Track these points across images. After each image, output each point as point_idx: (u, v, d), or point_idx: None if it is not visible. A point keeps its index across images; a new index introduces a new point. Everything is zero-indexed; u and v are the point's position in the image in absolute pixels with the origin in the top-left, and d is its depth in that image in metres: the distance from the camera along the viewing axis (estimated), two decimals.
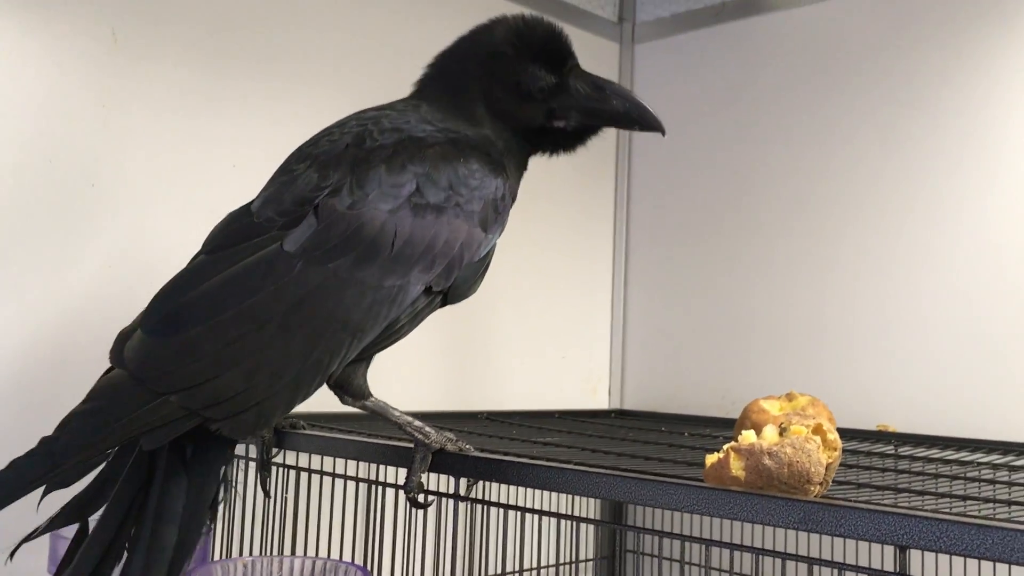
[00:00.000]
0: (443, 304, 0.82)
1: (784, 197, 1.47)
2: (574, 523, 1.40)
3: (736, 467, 0.69)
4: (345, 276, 0.73)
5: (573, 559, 1.46)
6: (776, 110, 1.49)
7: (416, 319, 0.80)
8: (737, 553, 0.70)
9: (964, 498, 0.81)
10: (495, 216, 0.82)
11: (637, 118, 0.86)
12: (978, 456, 1.10)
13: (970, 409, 1.25)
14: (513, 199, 0.85)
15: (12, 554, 0.74)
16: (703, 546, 0.70)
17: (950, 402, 1.27)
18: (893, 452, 1.15)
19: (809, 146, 1.45)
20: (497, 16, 0.87)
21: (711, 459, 0.71)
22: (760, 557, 0.65)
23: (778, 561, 0.64)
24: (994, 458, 1.08)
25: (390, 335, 0.79)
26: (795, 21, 1.48)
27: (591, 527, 1.49)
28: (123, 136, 1.09)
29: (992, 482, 0.93)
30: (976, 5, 1.31)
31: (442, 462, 0.81)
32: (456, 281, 0.80)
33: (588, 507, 1.47)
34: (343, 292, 0.73)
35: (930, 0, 1.34)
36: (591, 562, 1.49)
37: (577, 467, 0.73)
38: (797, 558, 0.64)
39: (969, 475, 0.96)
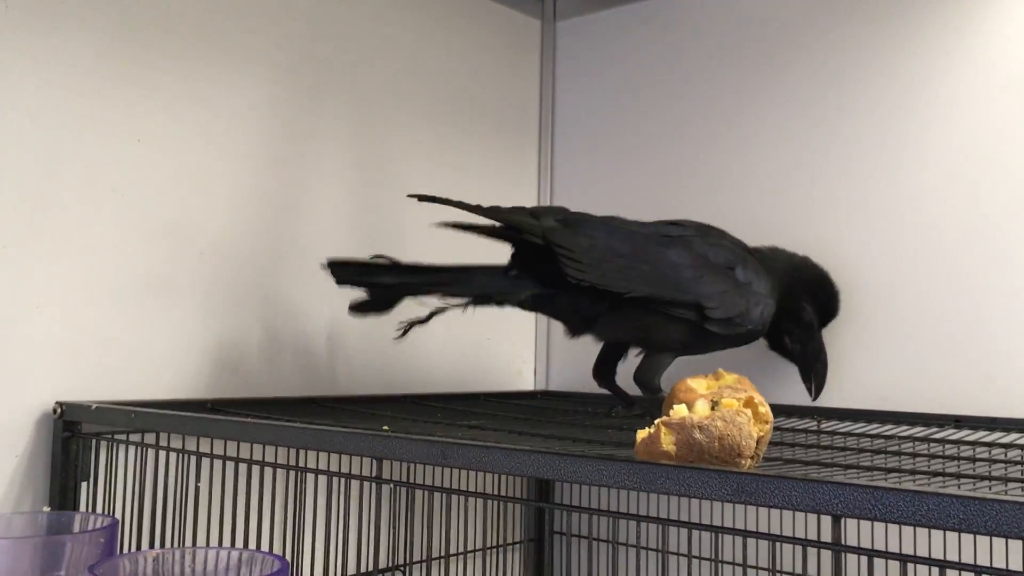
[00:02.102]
0: None
1: (708, 176, 1.46)
2: (501, 505, 1.38)
3: (667, 441, 0.68)
4: None
5: (500, 543, 1.44)
6: (699, 88, 1.48)
7: None
8: (673, 530, 0.68)
9: (887, 471, 0.81)
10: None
11: (819, 381, 1.24)
12: (901, 429, 1.11)
13: (888, 383, 1.27)
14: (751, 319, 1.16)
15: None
16: (636, 524, 0.68)
17: (868, 376, 1.28)
18: (816, 428, 1.16)
19: (732, 124, 1.44)
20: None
21: (642, 434, 0.70)
22: (698, 533, 0.64)
23: (713, 536, 0.63)
24: (916, 431, 1.10)
25: None
26: None
27: (517, 511, 1.47)
28: (17, 111, 1.02)
29: (913, 455, 0.93)
30: None
31: (358, 445, 0.78)
32: None
33: (515, 491, 1.45)
34: None
35: None
36: (518, 545, 1.47)
37: (508, 446, 0.70)
38: (734, 532, 0.63)
39: (890, 449, 0.97)
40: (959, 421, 1.16)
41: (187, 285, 1.15)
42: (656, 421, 0.69)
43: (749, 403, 0.69)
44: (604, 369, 1.23)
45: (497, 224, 1.10)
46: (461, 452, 0.71)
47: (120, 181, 1.10)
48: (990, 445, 1.01)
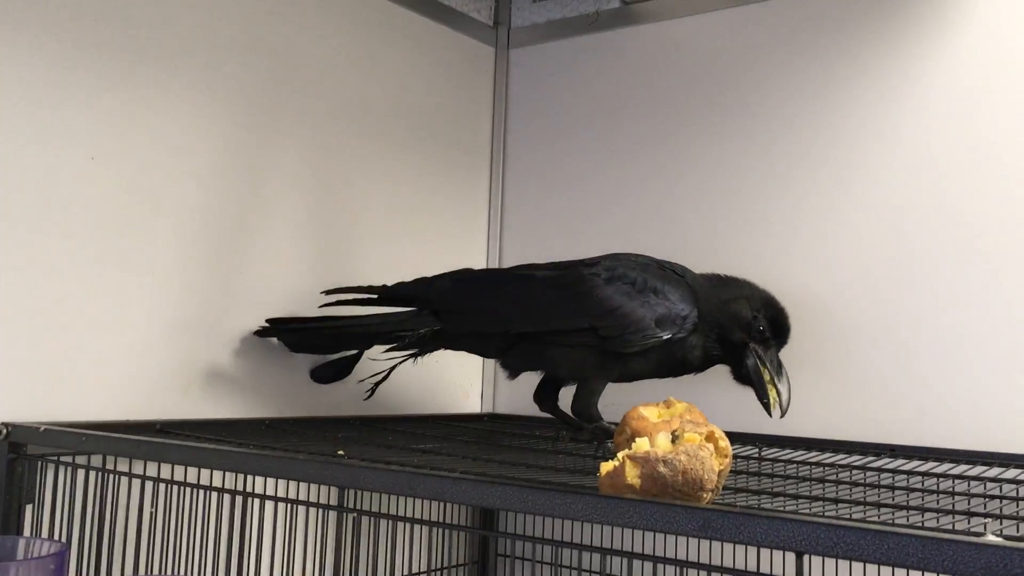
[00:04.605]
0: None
1: (652, 207, 1.50)
2: (445, 529, 1.39)
3: (631, 475, 0.69)
4: None
5: (445, 565, 1.44)
6: (648, 120, 1.52)
7: None
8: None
9: (836, 501, 0.84)
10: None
11: (784, 401, 1.13)
12: (840, 458, 1.15)
13: (827, 412, 1.31)
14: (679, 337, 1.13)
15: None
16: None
17: (809, 405, 1.31)
18: (758, 455, 1.19)
19: (678, 157, 1.48)
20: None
21: (606, 467, 0.71)
22: (657, 565, 0.66)
23: (677, 570, 0.64)
24: (855, 459, 1.14)
25: None
26: (667, 33, 1.51)
27: (463, 534, 1.48)
28: None
29: (863, 484, 0.96)
30: (844, 17, 1.37)
31: (322, 473, 0.78)
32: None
33: (457, 513, 1.45)
34: None
35: (801, 15, 1.40)
36: (463, 567, 1.48)
37: (475, 478, 0.71)
38: (698, 566, 0.65)
39: (830, 477, 1.00)
40: (894, 450, 1.20)
41: (137, 305, 1.14)
42: (620, 454, 0.71)
43: (710, 437, 0.71)
44: (545, 395, 1.24)
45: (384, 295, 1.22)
46: (429, 483, 0.71)
47: (71, 199, 1.08)
48: (924, 475, 1.06)
